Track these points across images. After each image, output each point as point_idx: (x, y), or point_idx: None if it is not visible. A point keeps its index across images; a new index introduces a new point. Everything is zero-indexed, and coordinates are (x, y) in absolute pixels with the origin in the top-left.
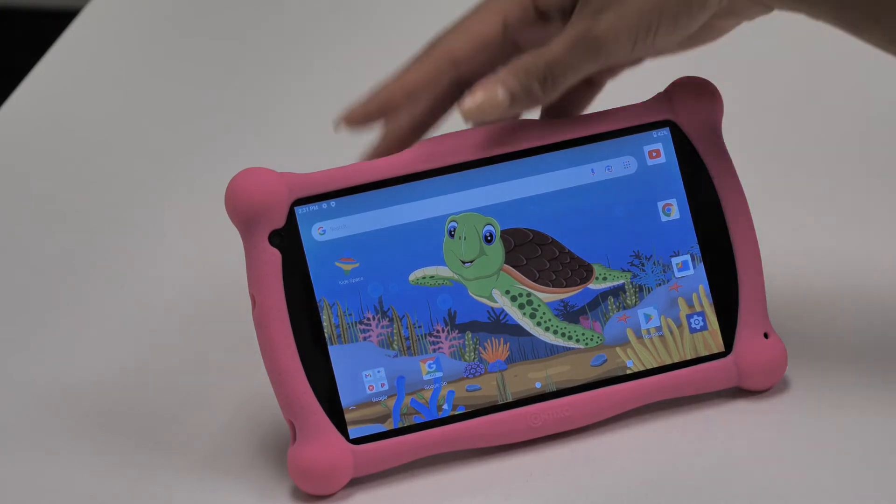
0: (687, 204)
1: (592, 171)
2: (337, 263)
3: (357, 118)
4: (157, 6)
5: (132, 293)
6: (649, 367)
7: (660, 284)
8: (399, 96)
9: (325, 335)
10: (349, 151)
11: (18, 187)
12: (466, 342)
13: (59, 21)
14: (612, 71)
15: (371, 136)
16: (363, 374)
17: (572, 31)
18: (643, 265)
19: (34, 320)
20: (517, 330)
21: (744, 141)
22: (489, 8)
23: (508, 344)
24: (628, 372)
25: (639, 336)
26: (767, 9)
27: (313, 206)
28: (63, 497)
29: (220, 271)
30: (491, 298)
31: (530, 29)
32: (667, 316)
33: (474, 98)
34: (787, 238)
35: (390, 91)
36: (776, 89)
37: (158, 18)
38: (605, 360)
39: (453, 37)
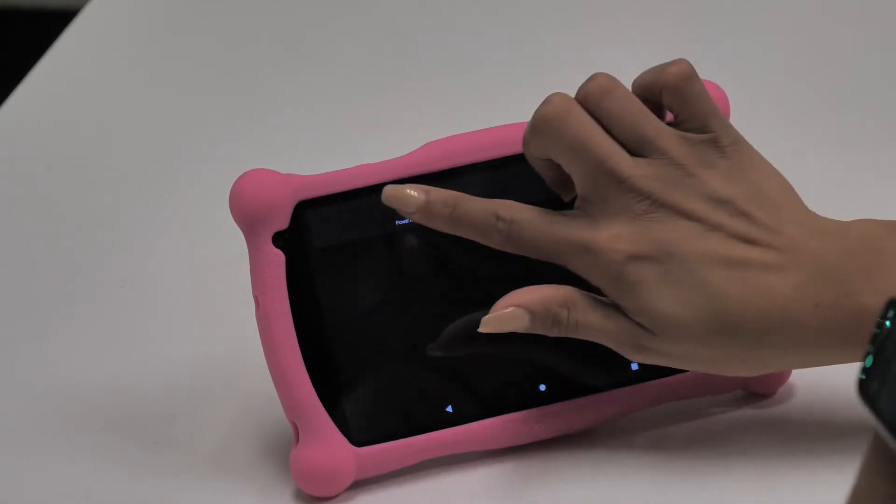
0: None
1: None
2: (341, 265)
3: None
4: (157, 6)
5: (132, 293)
6: (654, 369)
7: None
8: None
9: (329, 336)
10: (354, 153)
11: (18, 187)
12: None
13: (59, 21)
14: None
15: (378, 143)
16: (367, 375)
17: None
18: None
19: (33, 320)
20: None
21: (751, 143)
22: None
23: None
24: (633, 374)
25: None
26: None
27: (318, 208)
28: (63, 497)
29: (222, 270)
30: None
31: None
32: None
33: (397, 189)
34: None
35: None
36: (784, 92)
37: (159, 18)
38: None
39: None
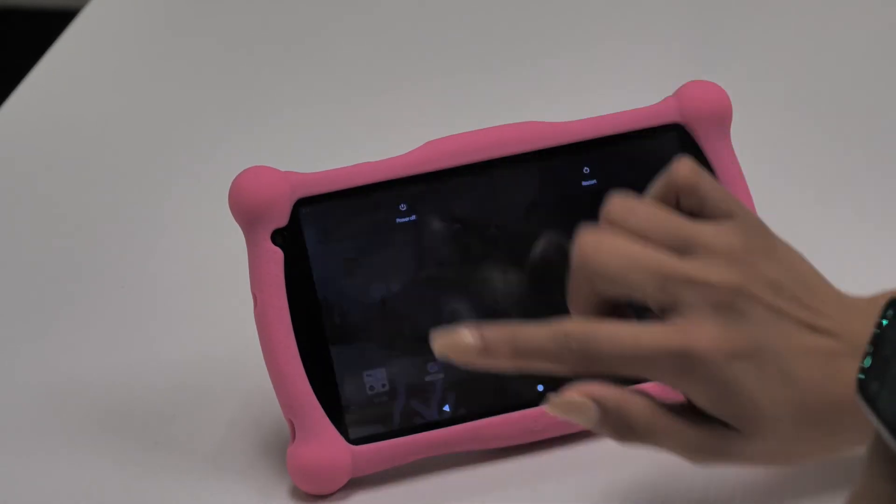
0: None
1: None
2: (339, 263)
3: None
4: (157, 6)
5: (132, 293)
6: None
7: None
8: None
9: (327, 335)
10: (354, 153)
11: (18, 187)
12: None
13: (59, 21)
14: None
15: (378, 143)
16: (364, 374)
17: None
18: None
19: (33, 320)
20: None
21: (752, 145)
22: None
23: None
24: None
25: None
26: None
27: (317, 206)
28: (63, 497)
29: (222, 270)
30: None
31: None
32: None
33: (447, 336)
34: (795, 241)
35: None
36: (785, 93)
37: (159, 18)
38: None
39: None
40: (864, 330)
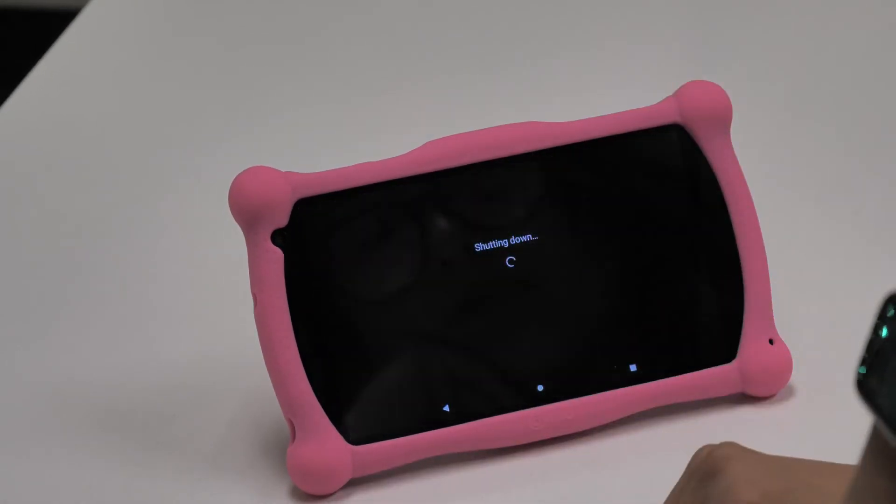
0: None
1: None
2: (339, 263)
3: None
4: (157, 6)
5: (132, 292)
6: (653, 370)
7: None
8: None
9: (327, 335)
10: (354, 153)
11: (18, 187)
12: None
13: (59, 21)
14: None
15: (378, 144)
16: (364, 374)
17: None
18: None
19: (33, 320)
20: None
21: (752, 145)
22: None
23: None
24: (631, 375)
25: None
26: None
27: (317, 206)
28: (63, 496)
29: (222, 270)
30: None
31: None
32: None
33: None
34: (795, 243)
35: None
36: (785, 93)
37: (159, 18)
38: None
39: None
40: None
